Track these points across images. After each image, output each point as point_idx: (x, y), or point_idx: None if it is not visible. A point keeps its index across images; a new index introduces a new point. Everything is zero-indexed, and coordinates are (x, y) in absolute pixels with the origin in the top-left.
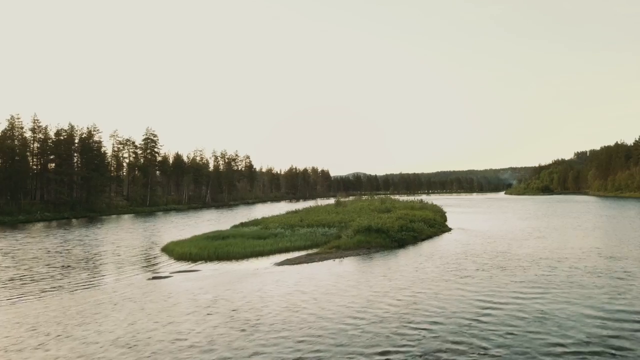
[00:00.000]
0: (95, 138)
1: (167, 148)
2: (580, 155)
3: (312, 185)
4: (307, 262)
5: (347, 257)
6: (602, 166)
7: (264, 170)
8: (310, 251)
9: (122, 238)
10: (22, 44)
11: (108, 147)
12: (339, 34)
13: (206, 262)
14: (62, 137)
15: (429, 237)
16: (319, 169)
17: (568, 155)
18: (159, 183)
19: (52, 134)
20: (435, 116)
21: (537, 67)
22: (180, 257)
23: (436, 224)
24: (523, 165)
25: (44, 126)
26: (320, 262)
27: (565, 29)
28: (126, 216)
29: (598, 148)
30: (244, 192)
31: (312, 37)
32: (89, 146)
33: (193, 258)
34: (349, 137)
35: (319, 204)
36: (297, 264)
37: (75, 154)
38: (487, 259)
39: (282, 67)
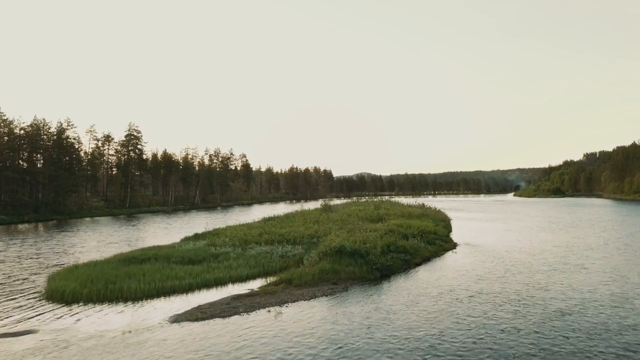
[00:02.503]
0: (70, 134)
1: (164, 148)
2: (590, 157)
3: (314, 186)
4: (224, 316)
5: (295, 301)
6: (617, 167)
7: (263, 170)
8: (248, 287)
9: (30, 254)
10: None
11: (85, 144)
12: (339, 33)
13: (85, 304)
14: (25, 131)
15: (426, 259)
16: (321, 169)
17: (577, 156)
18: (141, 182)
19: (15, 128)
20: (441, 116)
21: (542, 67)
22: (50, 295)
23: (437, 239)
24: (531, 167)
25: (9, 120)
26: (244, 315)
27: (568, 30)
28: (100, 219)
29: (607, 149)
30: (239, 193)
31: (312, 37)
32: (59, 142)
33: (66, 299)
34: (353, 137)
35: (305, 207)
36: (205, 318)
37: (41, 150)
38: (488, 321)
39: (282, 67)
